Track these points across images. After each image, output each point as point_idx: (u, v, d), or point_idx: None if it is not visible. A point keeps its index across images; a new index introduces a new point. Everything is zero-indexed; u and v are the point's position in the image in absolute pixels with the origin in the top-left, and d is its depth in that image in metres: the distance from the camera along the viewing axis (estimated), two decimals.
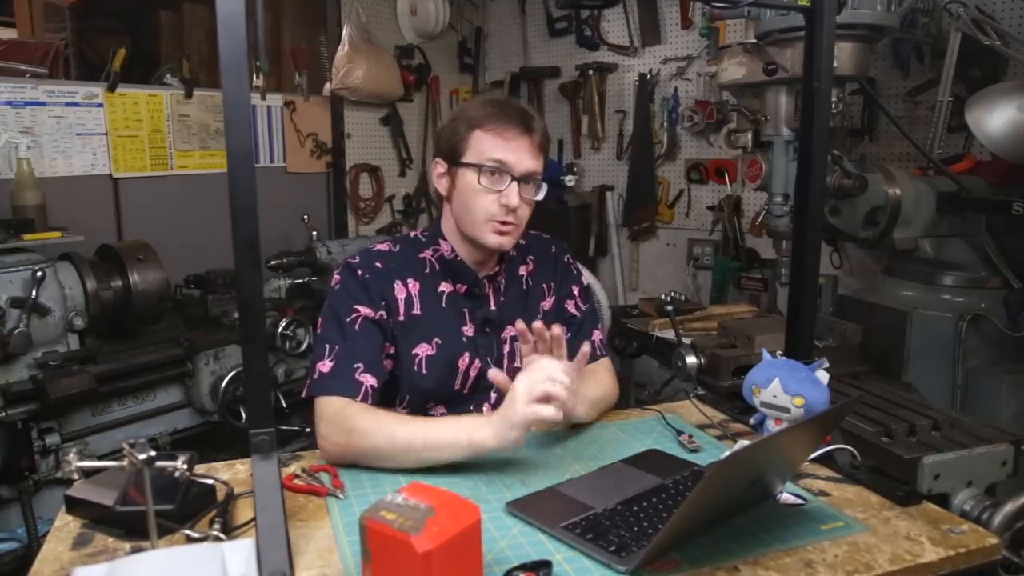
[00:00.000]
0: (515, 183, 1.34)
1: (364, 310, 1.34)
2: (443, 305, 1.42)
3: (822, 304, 2.62)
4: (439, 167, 1.41)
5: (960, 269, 2.10)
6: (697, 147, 3.40)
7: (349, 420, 1.23)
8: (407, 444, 1.20)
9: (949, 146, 2.39)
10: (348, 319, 1.33)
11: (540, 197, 1.40)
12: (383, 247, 1.44)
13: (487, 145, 1.33)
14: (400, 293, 1.39)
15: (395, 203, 3.99)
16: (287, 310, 2.72)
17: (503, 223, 1.36)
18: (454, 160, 1.37)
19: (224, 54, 0.99)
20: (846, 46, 1.95)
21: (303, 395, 1.32)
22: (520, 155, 1.34)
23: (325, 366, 1.30)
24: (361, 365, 1.30)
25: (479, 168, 1.33)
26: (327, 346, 1.31)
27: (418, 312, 1.40)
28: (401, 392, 1.41)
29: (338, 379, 1.28)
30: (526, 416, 1.14)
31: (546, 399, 1.14)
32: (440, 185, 1.42)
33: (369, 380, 1.29)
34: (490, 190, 1.34)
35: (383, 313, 1.36)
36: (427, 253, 1.45)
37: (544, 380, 1.15)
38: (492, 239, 1.37)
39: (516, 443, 1.16)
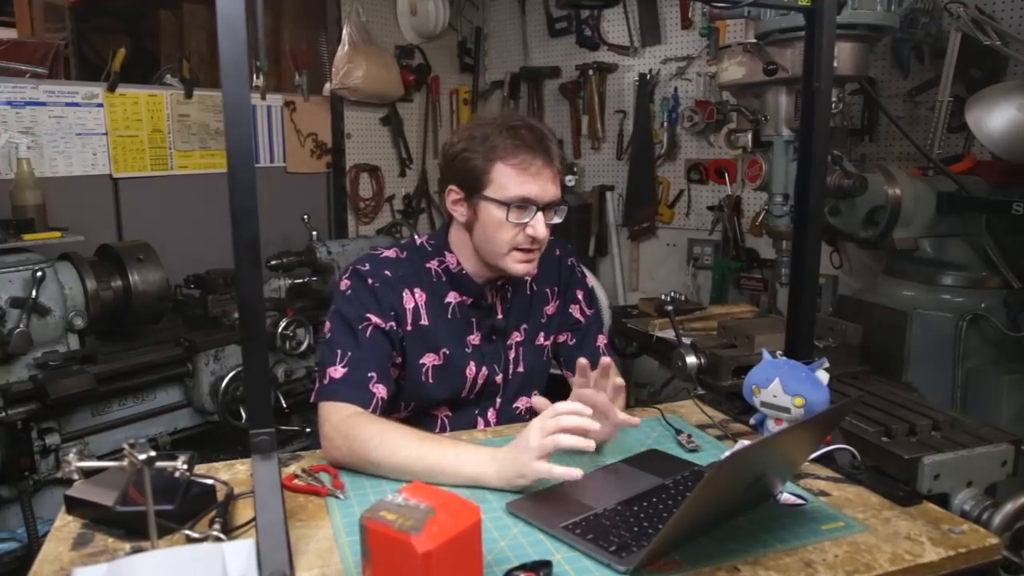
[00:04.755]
0: (540, 213, 1.33)
1: (375, 318, 1.33)
2: (449, 316, 1.42)
3: (822, 304, 2.62)
4: (454, 194, 1.37)
5: (960, 269, 2.10)
6: (697, 147, 3.39)
7: (354, 428, 1.22)
8: (406, 465, 1.18)
9: (949, 146, 2.39)
10: (360, 326, 1.32)
11: (560, 220, 1.38)
12: (391, 254, 1.43)
13: (511, 181, 1.30)
14: (408, 303, 1.38)
15: (395, 203, 3.99)
16: (287, 310, 2.72)
17: (528, 251, 1.35)
18: (474, 191, 1.34)
19: (224, 54, 0.99)
20: (846, 46, 1.94)
21: (311, 400, 1.31)
22: (544, 186, 1.32)
23: (337, 372, 1.28)
24: (375, 375, 1.29)
25: (506, 206, 1.31)
26: (339, 352, 1.30)
27: (426, 323, 1.39)
28: (406, 398, 1.41)
29: (351, 386, 1.27)
30: (537, 472, 1.11)
31: (555, 444, 1.11)
32: (456, 212, 1.38)
33: (381, 391, 1.29)
34: (516, 224, 1.32)
35: (392, 324, 1.35)
36: (433, 263, 1.43)
37: (553, 429, 1.11)
38: (519, 268, 1.36)
39: (521, 487, 1.14)
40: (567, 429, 1.11)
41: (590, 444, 1.12)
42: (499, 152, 1.31)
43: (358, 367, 1.29)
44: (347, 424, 1.23)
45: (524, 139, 1.31)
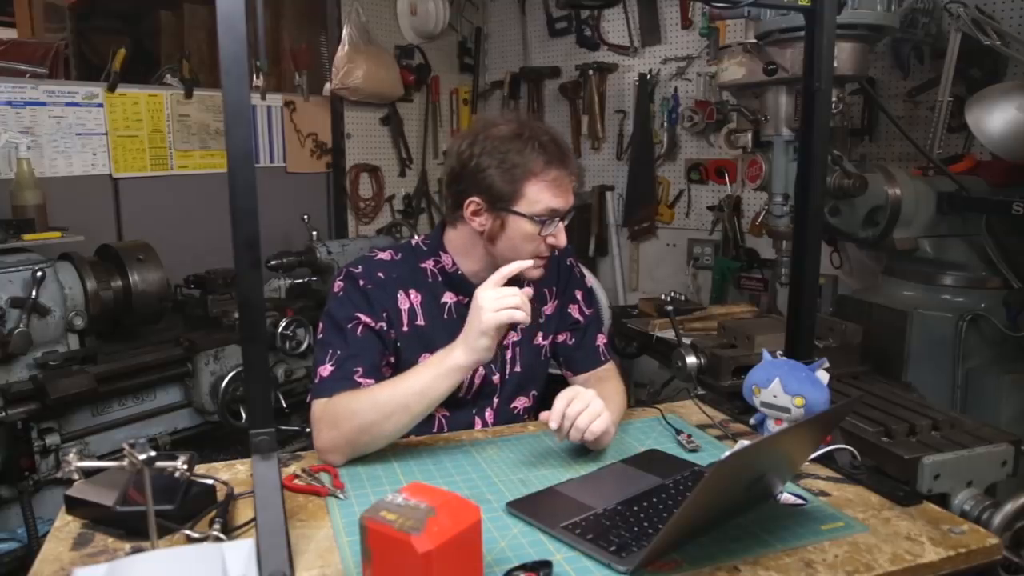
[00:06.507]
0: (561, 222, 1.37)
1: (365, 318, 1.34)
2: (445, 316, 1.42)
3: (822, 304, 2.62)
4: (475, 205, 1.35)
5: (960, 269, 2.10)
6: (697, 147, 3.39)
7: (334, 410, 1.25)
8: (394, 403, 1.22)
9: (949, 146, 2.39)
10: (349, 325, 1.33)
11: (566, 222, 1.40)
12: (385, 256, 1.44)
13: (544, 196, 1.33)
14: (403, 304, 1.39)
15: (395, 203, 3.99)
16: (287, 310, 2.72)
17: (544, 257, 1.38)
18: (500, 205, 1.33)
19: (224, 54, 0.99)
20: (846, 46, 1.94)
21: (308, 400, 1.33)
22: (568, 197, 1.36)
23: (326, 370, 1.30)
24: (361, 369, 1.30)
25: (538, 221, 1.33)
26: (328, 351, 1.32)
27: (422, 323, 1.40)
28: None
29: (337, 381, 1.28)
30: (499, 319, 1.18)
31: (513, 308, 1.19)
32: (475, 222, 1.36)
33: (368, 383, 1.29)
34: (543, 235, 1.35)
35: (383, 324, 1.36)
36: (428, 263, 1.44)
37: (511, 294, 1.19)
38: (536, 274, 1.39)
39: (488, 351, 1.20)
40: (513, 305, 1.18)
41: (527, 319, 1.20)
42: (531, 168, 1.32)
43: (344, 363, 1.30)
44: (328, 411, 1.26)
45: (552, 153, 1.34)
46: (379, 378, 1.32)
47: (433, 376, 1.23)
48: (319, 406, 1.27)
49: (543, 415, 1.27)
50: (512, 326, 1.23)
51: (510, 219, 1.34)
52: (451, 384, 1.24)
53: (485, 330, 1.18)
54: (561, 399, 1.25)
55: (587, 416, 1.23)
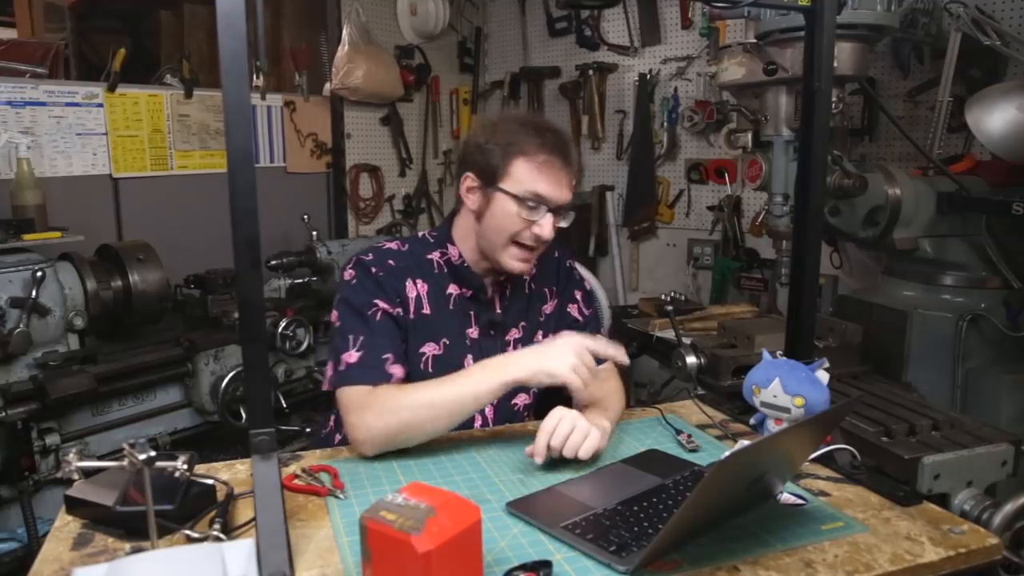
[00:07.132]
0: (550, 214, 1.35)
1: (383, 304, 1.35)
2: (451, 307, 1.43)
3: (822, 304, 2.62)
4: (469, 181, 1.38)
5: (960, 269, 2.10)
6: (697, 147, 3.40)
7: (381, 401, 1.24)
8: (449, 404, 1.24)
9: (949, 146, 2.39)
10: (369, 312, 1.33)
11: (567, 224, 1.40)
12: (393, 246, 1.45)
13: (529, 176, 1.33)
14: (411, 292, 1.40)
15: (395, 203, 4.00)
16: (287, 310, 2.72)
17: (528, 249, 1.38)
18: (490, 181, 1.35)
19: (224, 54, 0.99)
20: (846, 46, 1.95)
21: (325, 387, 1.32)
22: (559, 189, 1.35)
23: (352, 356, 1.29)
24: (390, 356, 1.30)
25: (520, 200, 1.33)
26: (351, 337, 1.31)
27: (427, 312, 1.41)
28: None
29: (366, 368, 1.28)
30: (567, 378, 1.21)
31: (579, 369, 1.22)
32: (469, 200, 1.39)
33: (398, 371, 1.30)
34: (525, 219, 1.34)
35: (399, 310, 1.37)
36: (435, 255, 1.45)
37: (591, 363, 1.24)
38: (515, 265, 1.38)
39: (540, 383, 1.24)
40: (584, 376, 1.22)
41: (582, 389, 1.23)
42: (522, 148, 1.33)
43: (372, 350, 1.30)
44: (372, 400, 1.25)
45: (547, 139, 1.34)
46: (404, 365, 1.33)
47: (488, 388, 1.24)
48: (354, 394, 1.26)
49: (527, 450, 1.25)
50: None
51: (496, 196, 1.35)
52: (500, 394, 1.26)
53: (552, 373, 1.22)
54: (543, 433, 1.22)
55: (571, 446, 1.22)
